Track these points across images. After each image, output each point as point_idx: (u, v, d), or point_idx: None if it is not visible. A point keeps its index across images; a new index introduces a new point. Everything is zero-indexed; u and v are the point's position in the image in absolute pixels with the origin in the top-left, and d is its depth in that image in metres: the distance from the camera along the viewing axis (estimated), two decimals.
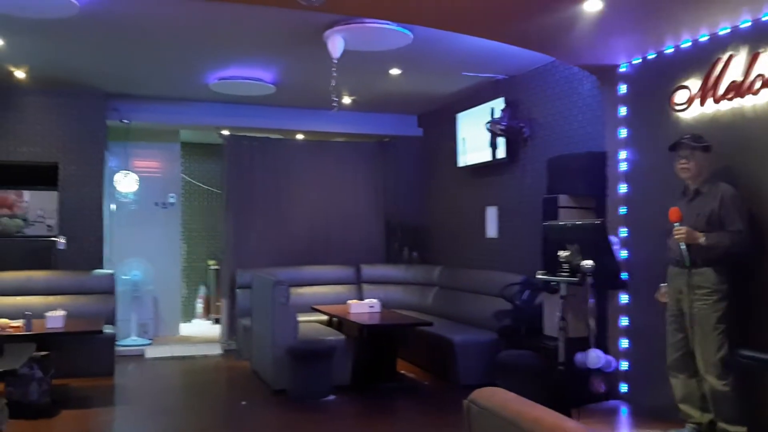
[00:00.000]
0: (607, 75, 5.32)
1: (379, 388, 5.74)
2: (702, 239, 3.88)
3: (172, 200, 8.66)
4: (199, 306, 10.07)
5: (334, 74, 5.57)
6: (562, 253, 3.96)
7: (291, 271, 7.55)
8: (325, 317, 6.58)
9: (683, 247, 3.94)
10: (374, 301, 6.29)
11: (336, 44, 5.21)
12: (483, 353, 5.88)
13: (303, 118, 8.43)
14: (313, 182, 8.41)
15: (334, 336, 5.90)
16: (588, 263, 3.78)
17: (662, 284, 4.30)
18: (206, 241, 10.28)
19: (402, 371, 6.26)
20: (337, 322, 6.38)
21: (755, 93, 4.06)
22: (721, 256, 3.90)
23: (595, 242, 3.99)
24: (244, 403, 5.43)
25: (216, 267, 9.77)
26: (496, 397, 1.58)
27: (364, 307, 6.22)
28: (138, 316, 7.95)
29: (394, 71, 6.58)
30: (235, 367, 6.88)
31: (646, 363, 4.92)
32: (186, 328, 9.12)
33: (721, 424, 3.98)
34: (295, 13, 4.72)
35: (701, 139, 4.09)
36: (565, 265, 3.94)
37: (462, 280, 7.25)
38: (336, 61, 5.40)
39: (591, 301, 4.20)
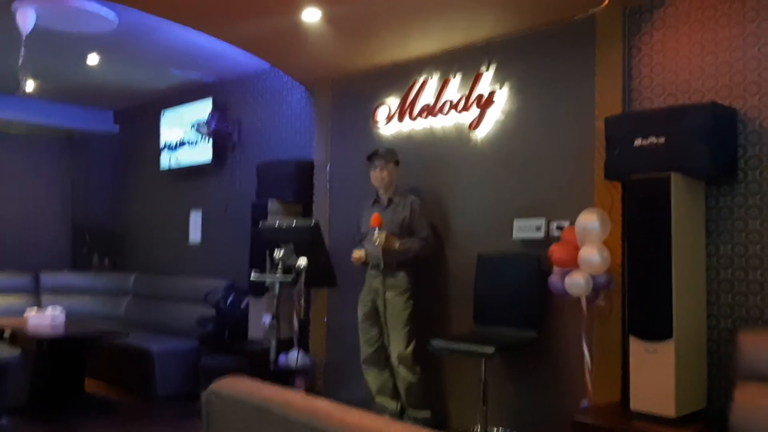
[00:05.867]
0: (316, 87, 5.55)
1: (61, 407, 5.16)
2: (397, 244, 4.25)
3: None
4: None
5: (23, 53, 4.88)
6: (277, 253, 4.00)
7: None
8: None
9: (380, 250, 4.25)
10: (58, 311, 5.65)
11: (26, 18, 4.56)
12: (183, 362, 5.71)
13: None
14: None
15: (5, 351, 5.15)
16: (302, 262, 3.88)
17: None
18: None
19: (90, 388, 5.68)
20: (10, 336, 5.57)
21: (445, 115, 4.61)
22: (411, 260, 4.34)
23: (310, 242, 4.12)
24: None
25: None
26: (240, 386, 1.51)
27: (45, 319, 5.55)
28: None
29: (93, 58, 6.00)
30: None
31: (342, 359, 5.19)
32: None
33: (410, 411, 4.40)
34: None
35: (394, 154, 4.51)
36: (279, 265, 3.99)
37: (161, 287, 6.90)
38: (24, 38, 4.73)
39: (301, 302, 4.32)
